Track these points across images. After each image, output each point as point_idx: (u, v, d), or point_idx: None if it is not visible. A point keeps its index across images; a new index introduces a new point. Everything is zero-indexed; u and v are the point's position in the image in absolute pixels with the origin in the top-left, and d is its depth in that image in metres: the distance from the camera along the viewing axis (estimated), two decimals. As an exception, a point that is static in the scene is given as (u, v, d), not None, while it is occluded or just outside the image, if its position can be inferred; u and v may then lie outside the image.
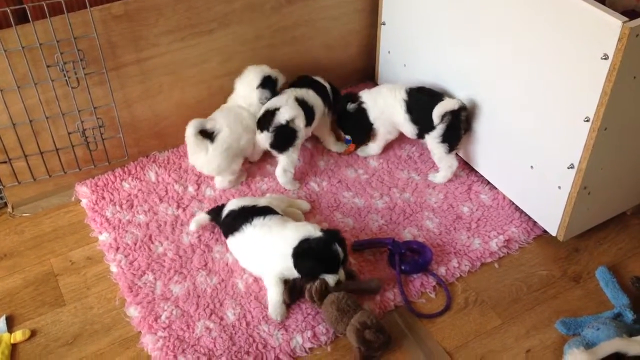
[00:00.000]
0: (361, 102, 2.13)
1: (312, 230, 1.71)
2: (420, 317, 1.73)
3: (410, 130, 2.09)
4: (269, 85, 2.09)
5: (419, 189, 2.09)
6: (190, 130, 1.94)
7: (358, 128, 2.18)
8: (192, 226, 1.92)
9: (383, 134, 2.17)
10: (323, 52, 2.36)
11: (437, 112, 1.97)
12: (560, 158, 1.74)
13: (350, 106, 2.14)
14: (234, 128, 2.02)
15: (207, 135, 1.99)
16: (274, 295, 1.71)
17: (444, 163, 2.07)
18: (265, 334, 1.68)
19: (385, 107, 2.10)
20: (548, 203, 1.84)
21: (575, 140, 1.66)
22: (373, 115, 2.12)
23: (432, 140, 2.04)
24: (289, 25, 2.21)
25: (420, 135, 2.08)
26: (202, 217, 1.92)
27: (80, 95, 1.93)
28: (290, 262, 1.69)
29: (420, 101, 2.04)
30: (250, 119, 2.07)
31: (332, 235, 1.70)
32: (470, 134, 2.04)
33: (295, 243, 1.69)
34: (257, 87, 2.08)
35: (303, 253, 1.68)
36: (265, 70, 2.10)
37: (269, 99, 2.07)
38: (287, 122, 1.99)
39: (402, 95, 2.07)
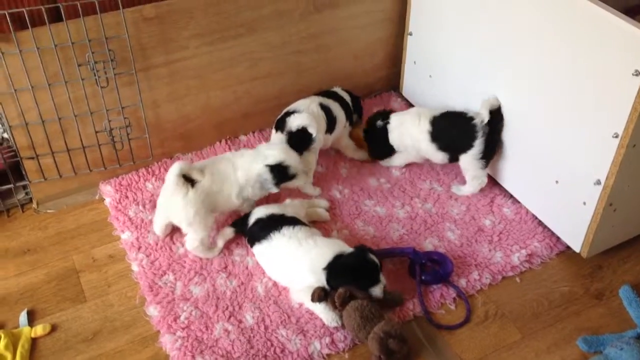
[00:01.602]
0: (387, 122, 2.11)
1: (344, 247, 1.74)
2: (440, 329, 1.72)
3: (440, 158, 2.06)
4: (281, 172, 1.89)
5: (441, 199, 2.08)
6: (175, 171, 1.77)
7: (379, 146, 2.16)
8: (220, 243, 1.90)
9: (408, 158, 2.15)
10: (349, 60, 2.37)
11: (485, 107, 1.92)
12: (586, 173, 1.72)
13: (379, 123, 2.12)
14: (216, 180, 1.85)
15: (189, 180, 1.81)
16: (321, 309, 1.70)
17: (476, 180, 2.05)
18: (283, 338, 1.67)
19: (406, 135, 2.08)
20: (572, 219, 1.83)
21: (603, 156, 1.65)
22: (392, 138, 2.11)
23: (471, 158, 2.00)
24: (316, 33, 2.23)
25: (453, 159, 2.04)
26: (227, 231, 1.91)
27: (108, 95, 1.95)
28: (320, 277, 1.70)
29: (446, 126, 2.02)
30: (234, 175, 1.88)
31: (362, 249, 1.73)
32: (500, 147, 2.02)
33: (329, 259, 1.70)
34: (266, 165, 1.87)
35: (339, 269, 1.69)
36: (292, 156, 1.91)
37: (272, 185, 1.89)
38: (298, 129, 1.99)
39: (426, 127, 2.04)
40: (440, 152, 2.04)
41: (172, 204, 1.83)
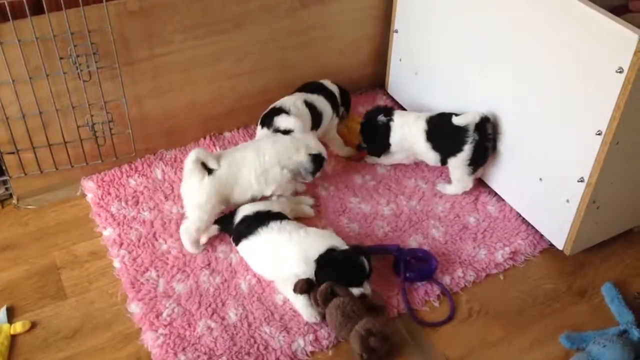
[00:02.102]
0: (390, 120, 2.08)
1: (338, 241, 1.73)
2: (424, 326, 1.72)
3: (433, 158, 2.05)
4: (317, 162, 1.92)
5: (426, 197, 2.08)
6: (192, 157, 1.80)
7: (377, 142, 2.14)
8: (203, 239, 1.89)
9: (398, 158, 2.15)
10: (335, 57, 2.36)
11: (469, 117, 1.93)
12: (570, 171, 1.73)
13: (381, 118, 2.09)
14: (234, 168, 1.85)
15: (207, 169, 1.83)
16: (301, 304, 1.69)
17: (460, 184, 2.05)
18: (266, 335, 1.66)
19: (408, 135, 2.06)
20: (556, 216, 1.83)
21: (586, 153, 1.66)
22: (393, 138, 2.09)
23: (459, 162, 1.99)
24: (303, 29, 2.21)
25: (444, 161, 2.04)
26: (211, 228, 1.90)
27: (91, 89, 1.93)
28: (310, 268, 1.69)
29: (439, 126, 2.01)
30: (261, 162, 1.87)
31: (358, 249, 1.72)
32: (495, 156, 2.00)
33: (321, 251, 1.70)
34: (309, 155, 1.89)
35: (329, 262, 1.68)
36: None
37: (310, 174, 1.92)
38: (285, 130, 1.98)
39: (423, 126, 2.03)
40: (433, 151, 2.03)
41: (188, 188, 1.85)
